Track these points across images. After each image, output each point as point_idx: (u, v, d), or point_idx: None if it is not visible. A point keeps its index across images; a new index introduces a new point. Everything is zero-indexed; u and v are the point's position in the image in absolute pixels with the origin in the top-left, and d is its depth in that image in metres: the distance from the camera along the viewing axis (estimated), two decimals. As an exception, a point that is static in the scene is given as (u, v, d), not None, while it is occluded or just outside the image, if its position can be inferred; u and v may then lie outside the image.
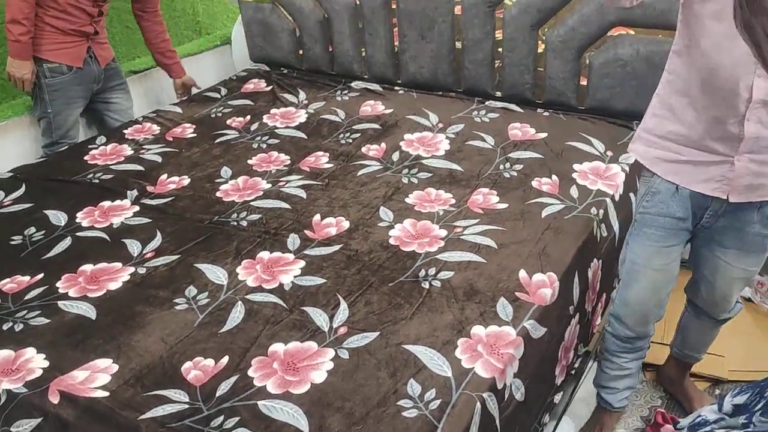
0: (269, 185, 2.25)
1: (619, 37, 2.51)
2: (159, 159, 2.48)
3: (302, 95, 3.03)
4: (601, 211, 2.01)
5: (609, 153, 2.34)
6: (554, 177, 2.20)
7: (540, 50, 2.67)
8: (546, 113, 2.68)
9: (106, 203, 2.16)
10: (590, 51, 2.58)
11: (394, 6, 2.92)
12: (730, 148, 1.43)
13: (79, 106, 2.79)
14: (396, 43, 3.03)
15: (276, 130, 2.69)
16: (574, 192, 2.11)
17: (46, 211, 2.11)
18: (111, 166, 2.42)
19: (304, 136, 2.64)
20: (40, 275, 1.80)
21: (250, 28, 3.35)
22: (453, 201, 2.10)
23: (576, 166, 2.25)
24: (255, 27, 3.33)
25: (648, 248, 1.65)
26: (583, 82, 2.66)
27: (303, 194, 2.18)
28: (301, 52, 3.28)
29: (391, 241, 1.90)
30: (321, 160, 2.42)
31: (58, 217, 2.08)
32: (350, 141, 2.56)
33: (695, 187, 1.52)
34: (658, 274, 1.67)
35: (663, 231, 1.61)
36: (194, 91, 3.19)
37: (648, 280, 1.68)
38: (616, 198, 2.11)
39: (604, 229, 2.01)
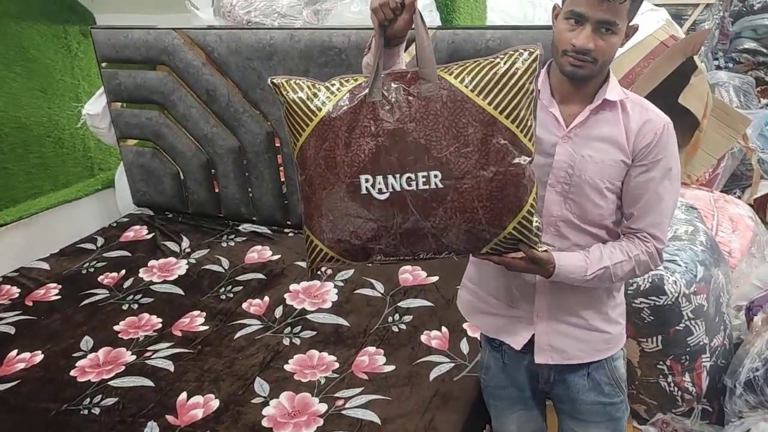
0: (134, 357, 2.02)
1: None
2: (11, 330, 2.21)
3: (185, 242, 2.85)
4: (492, 369, 1.89)
5: (500, 296, 2.25)
6: (444, 329, 2.08)
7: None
8: (437, 253, 2.60)
9: (-63, 395, 1.86)
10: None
11: (278, 144, 2.85)
12: (528, 302, 1.40)
13: None
14: (283, 182, 2.93)
15: (151, 287, 2.48)
16: (464, 346, 1.99)
17: None
18: (-48, 344, 2.14)
19: (181, 292, 2.44)
20: None
21: (132, 173, 3.19)
22: (336, 365, 1.93)
23: (467, 315, 2.15)
24: (137, 171, 3.17)
25: (499, 417, 1.63)
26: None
27: (171, 366, 1.96)
28: (186, 195, 3.13)
29: (264, 423, 1.69)
30: (196, 321, 2.22)
31: None
32: (231, 296, 2.38)
33: (506, 339, 1.47)
34: None
35: (507, 401, 1.58)
36: None
37: None
38: (509, 349, 2.00)
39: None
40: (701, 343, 2.26)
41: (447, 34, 2.38)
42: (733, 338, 2.41)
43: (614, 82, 1.28)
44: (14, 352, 2.07)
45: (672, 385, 2.32)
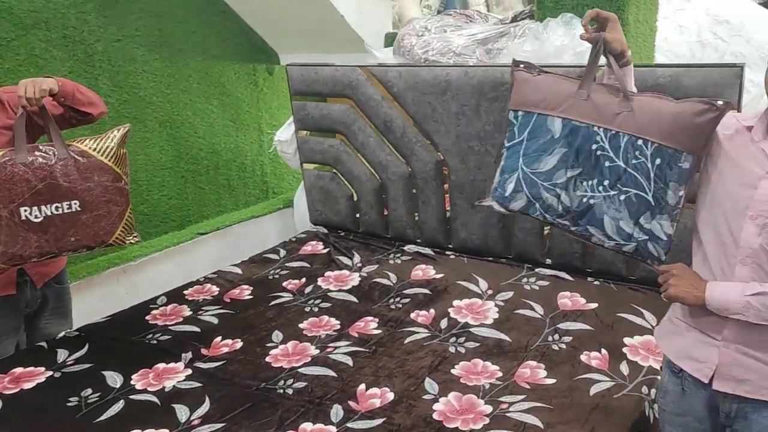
0: (317, 350, 2.30)
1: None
2: (215, 321, 2.57)
3: (357, 258, 3.14)
4: (653, 391, 1.95)
5: (661, 326, 2.29)
6: (604, 351, 2.16)
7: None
8: (596, 282, 2.67)
9: (161, 365, 2.23)
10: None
11: (446, 172, 3.08)
12: (719, 329, 1.42)
13: (11, 341, 2.32)
14: (448, 209, 3.15)
15: (329, 294, 2.78)
16: (624, 368, 2.06)
17: (103, 372, 2.20)
18: (170, 327, 2.53)
19: (355, 300, 2.71)
20: (91, 440, 1.85)
21: (312, 194, 3.57)
22: (500, 374, 2.08)
23: (627, 340, 2.21)
24: (316, 193, 3.54)
25: None
26: (634, 251, 2.66)
27: (350, 361, 2.21)
28: (357, 216, 3.44)
29: (435, 416, 1.87)
30: (370, 325, 2.46)
31: (114, 379, 2.15)
32: (400, 306, 2.61)
33: (682, 363, 1.50)
34: None
35: (682, 428, 1.56)
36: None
37: None
38: (670, 376, 2.05)
39: (657, 410, 1.93)
40: None
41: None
42: None
43: None
44: (219, 338, 2.42)
45: None
